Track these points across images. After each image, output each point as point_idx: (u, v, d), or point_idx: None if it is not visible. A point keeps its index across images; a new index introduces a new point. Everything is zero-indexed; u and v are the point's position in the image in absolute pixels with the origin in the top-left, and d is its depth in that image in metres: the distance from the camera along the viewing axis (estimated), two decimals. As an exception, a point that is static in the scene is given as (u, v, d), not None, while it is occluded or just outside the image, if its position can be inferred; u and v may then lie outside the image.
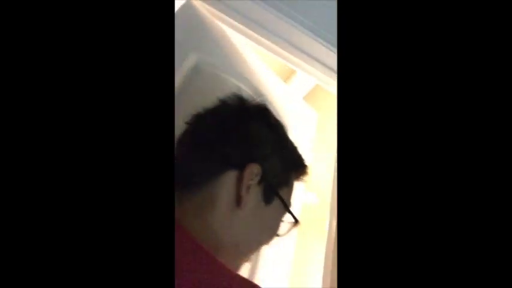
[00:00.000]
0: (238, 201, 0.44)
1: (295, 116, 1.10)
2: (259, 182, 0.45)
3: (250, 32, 1.00)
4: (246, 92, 0.51)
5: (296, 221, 0.49)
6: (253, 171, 0.44)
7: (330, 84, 1.15)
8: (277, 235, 0.49)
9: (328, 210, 0.96)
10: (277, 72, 1.14)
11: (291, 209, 0.49)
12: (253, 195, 0.45)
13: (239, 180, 0.44)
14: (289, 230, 0.49)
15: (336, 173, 0.97)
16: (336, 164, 0.99)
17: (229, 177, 0.44)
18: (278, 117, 0.52)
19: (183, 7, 0.87)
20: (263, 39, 1.01)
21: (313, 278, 1.09)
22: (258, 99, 0.52)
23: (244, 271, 0.47)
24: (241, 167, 0.44)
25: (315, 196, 1.16)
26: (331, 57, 1.08)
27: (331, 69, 1.11)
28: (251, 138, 0.47)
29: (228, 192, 0.44)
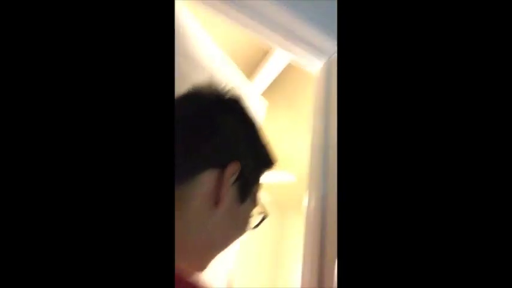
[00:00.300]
0: (216, 201, 0.42)
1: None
2: (235, 181, 0.44)
3: (227, 8, 0.96)
4: (214, 81, 0.49)
5: (265, 215, 0.50)
6: (233, 170, 0.43)
7: (309, 61, 1.13)
8: (249, 229, 0.50)
9: (305, 188, 0.99)
10: (249, 54, 1.11)
11: (261, 203, 0.50)
12: (229, 194, 0.44)
13: (219, 179, 0.42)
14: (260, 223, 0.50)
15: (313, 153, 0.99)
16: (312, 147, 1.00)
17: (209, 176, 0.42)
18: (251, 111, 0.51)
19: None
20: (240, 15, 0.98)
21: (294, 253, 1.13)
22: (232, 91, 0.50)
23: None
24: (222, 166, 0.43)
25: (293, 176, 1.18)
26: (310, 32, 1.06)
27: (310, 44, 1.09)
28: (231, 135, 0.45)
29: (205, 192, 0.42)
